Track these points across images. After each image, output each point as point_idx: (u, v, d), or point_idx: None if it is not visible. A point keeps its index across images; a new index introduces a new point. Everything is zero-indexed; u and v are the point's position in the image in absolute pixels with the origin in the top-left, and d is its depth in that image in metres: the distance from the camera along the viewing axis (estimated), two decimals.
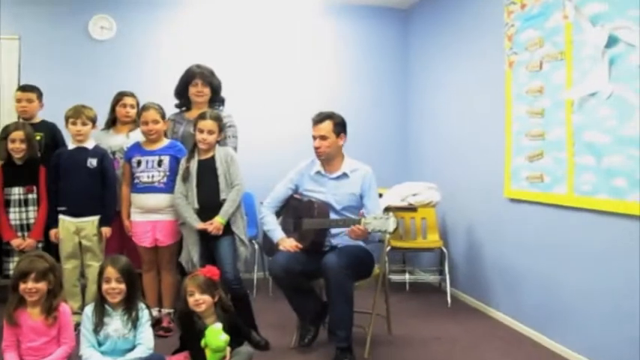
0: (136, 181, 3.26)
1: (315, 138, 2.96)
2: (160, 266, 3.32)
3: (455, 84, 4.23)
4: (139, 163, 3.25)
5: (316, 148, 2.96)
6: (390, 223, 2.57)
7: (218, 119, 3.10)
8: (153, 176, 3.20)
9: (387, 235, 2.99)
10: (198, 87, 3.44)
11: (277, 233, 3.01)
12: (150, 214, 3.24)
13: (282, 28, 4.87)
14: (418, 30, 4.83)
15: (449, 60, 4.30)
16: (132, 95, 3.60)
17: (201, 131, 3.05)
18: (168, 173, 3.22)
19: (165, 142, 3.30)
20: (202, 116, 3.07)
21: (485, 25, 3.76)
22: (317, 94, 4.81)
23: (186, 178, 3.06)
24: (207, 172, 3.06)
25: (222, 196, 3.04)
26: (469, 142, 4.03)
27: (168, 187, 3.20)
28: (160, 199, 3.21)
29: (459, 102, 4.17)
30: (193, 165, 3.09)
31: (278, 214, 3.08)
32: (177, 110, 3.58)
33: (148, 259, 3.31)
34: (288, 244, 2.91)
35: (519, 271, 3.40)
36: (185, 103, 3.54)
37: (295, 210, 3.04)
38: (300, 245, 2.88)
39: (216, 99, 3.54)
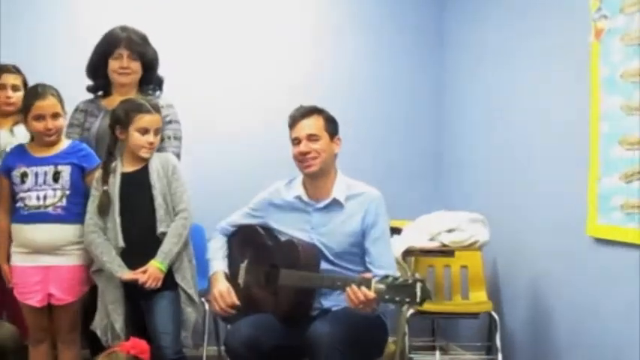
0: (20, 204, 3.23)
1: (298, 141, 3.02)
2: (57, 336, 3.28)
3: (512, 66, 4.24)
4: (23, 177, 3.22)
5: (302, 155, 3.00)
6: (418, 292, 2.58)
7: (157, 111, 3.20)
8: (45, 197, 3.19)
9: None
10: (123, 61, 3.48)
11: (216, 264, 3.13)
12: (41, 256, 3.20)
13: None
14: None
15: (504, 31, 4.32)
16: (15, 71, 3.61)
17: (145, 131, 3.13)
18: (68, 192, 3.21)
19: (63, 144, 3.29)
20: (140, 108, 3.14)
21: None
22: (306, 84, 4.81)
23: (105, 207, 3.11)
24: (137, 192, 3.13)
25: (161, 228, 3.10)
26: (534, 153, 4.04)
27: (70, 214, 3.20)
28: (57, 233, 3.19)
29: (519, 93, 4.18)
30: (114, 182, 3.13)
31: (229, 240, 3.22)
32: (90, 96, 3.62)
33: (37, 324, 3.26)
34: (223, 293, 2.99)
35: (612, 347, 3.35)
36: (102, 84, 3.59)
37: (268, 253, 3.07)
38: (235, 301, 2.98)
39: (149, 79, 3.59)
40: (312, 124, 3.02)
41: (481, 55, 4.63)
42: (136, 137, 3.11)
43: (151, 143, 3.13)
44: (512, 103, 4.29)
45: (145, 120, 3.12)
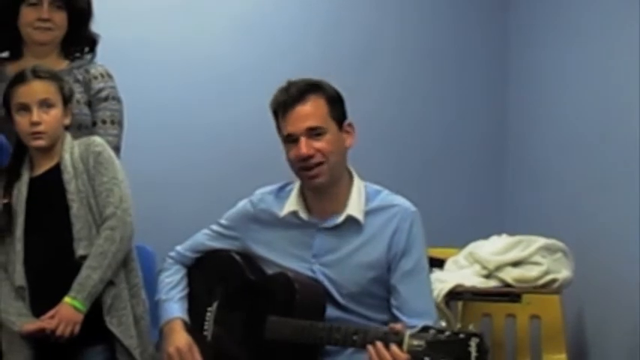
0: None
1: (293, 138, 2.75)
2: None
3: (590, 43, 4.02)
4: None
5: (304, 160, 2.73)
6: (473, 352, 2.32)
7: (56, 78, 2.95)
8: None
9: None
10: (43, 10, 3.22)
11: (170, 308, 2.92)
12: None
13: None
14: None
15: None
16: None
17: (23, 109, 2.87)
18: None
19: None
20: (22, 77, 2.92)
21: None
22: (310, 57, 4.45)
23: (4, 229, 2.88)
24: (49, 202, 2.90)
25: (80, 250, 2.81)
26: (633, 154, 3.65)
27: None
28: None
29: (608, 76, 3.88)
30: (19, 192, 2.90)
31: (190, 272, 3.02)
32: None
33: None
34: (182, 351, 2.77)
35: None
36: (11, 42, 3.36)
37: (248, 293, 2.83)
38: None
39: (78, 37, 3.37)
40: (311, 112, 2.72)
41: (558, 24, 4.39)
42: (17, 122, 2.85)
43: (35, 123, 2.78)
44: (607, 88, 3.94)
45: (19, 93, 2.82)
